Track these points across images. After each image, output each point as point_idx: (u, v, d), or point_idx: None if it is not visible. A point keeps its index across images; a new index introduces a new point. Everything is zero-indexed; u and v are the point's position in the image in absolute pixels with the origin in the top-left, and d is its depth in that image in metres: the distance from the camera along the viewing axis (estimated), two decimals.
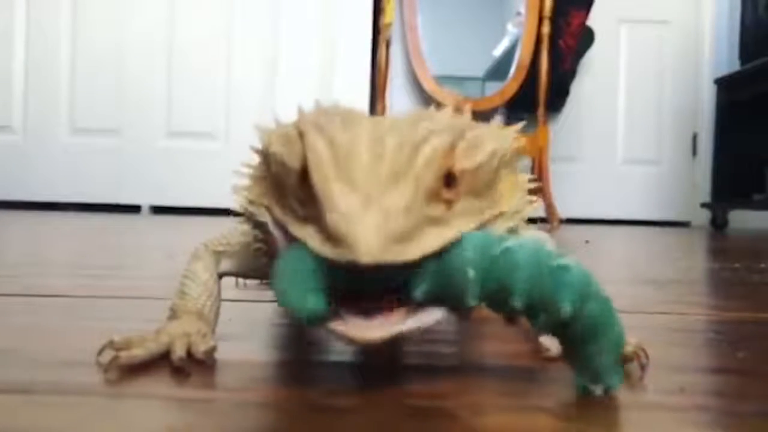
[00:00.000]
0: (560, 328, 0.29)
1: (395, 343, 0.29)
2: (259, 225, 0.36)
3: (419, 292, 0.29)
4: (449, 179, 0.30)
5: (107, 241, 1.34)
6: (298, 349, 0.42)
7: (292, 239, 0.31)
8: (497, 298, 0.29)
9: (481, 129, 0.34)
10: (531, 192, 0.38)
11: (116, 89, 2.49)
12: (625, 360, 0.36)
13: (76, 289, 0.60)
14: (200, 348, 0.35)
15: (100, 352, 0.34)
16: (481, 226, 0.31)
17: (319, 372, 0.35)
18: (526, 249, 0.29)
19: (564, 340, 0.30)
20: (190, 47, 2.50)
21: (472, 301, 0.29)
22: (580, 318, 0.29)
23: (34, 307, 0.51)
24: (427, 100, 2.62)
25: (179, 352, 0.34)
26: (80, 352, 0.35)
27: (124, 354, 0.33)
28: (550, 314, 0.29)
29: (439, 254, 0.29)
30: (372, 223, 0.26)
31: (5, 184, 2.44)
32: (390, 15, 2.43)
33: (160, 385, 0.32)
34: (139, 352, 0.34)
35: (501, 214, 0.34)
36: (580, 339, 0.29)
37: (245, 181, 0.38)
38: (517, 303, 0.28)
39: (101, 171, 2.48)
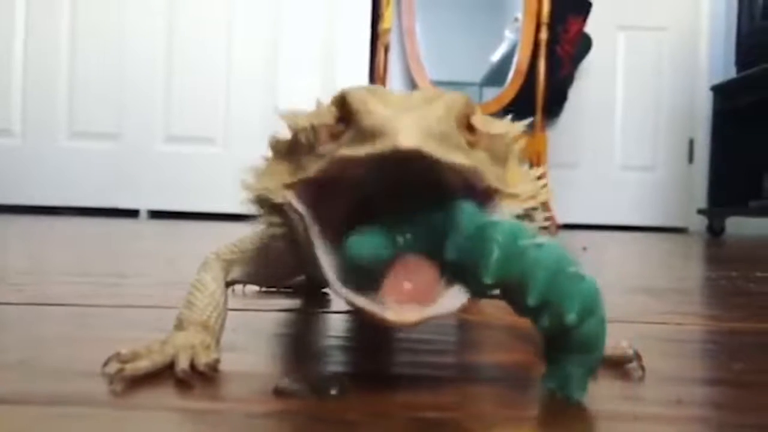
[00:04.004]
0: (559, 336, 0.30)
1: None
2: (276, 209, 0.37)
3: (451, 252, 0.31)
4: (470, 126, 0.33)
5: (106, 247, 1.34)
6: (303, 359, 0.42)
7: (317, 219, 0.33)
8: (514, 288, 0.30)
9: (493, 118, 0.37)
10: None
11: (115, 93, 2.49)
12: (625, 361, 0.38)
13: (79, 297, 0.61)
14: (202, 360, 0.35)
15: (106, 363, 0.34)
16: (493, 204, 0.34)
17: (324, 381, 0.36)
18: (553, 250, 0.30)
19: (553, 345, 0.31)
20: (190, 52, 2.51)
21: (487, 279, 0.30)
22: (580, 330, 0.30)
23: (38, 317, 0.52)
24: None
25: (182, 364, 0.34)
26: (86, 363, 0.36)
27: (129, 366, 0.33)
28: (556, 318, 0.29)
29: (472, 228, 0.30)
30: (410, 120, 0.29)
31: (4, 188, 2.44)
32: (388, 21, 2.44)
33: (168, 396, 0.32)
34: (143, 364, 0.34)
35: (515, 196, 0.36)
36: (570, 349, 0.30)
37: (251, 180, 0.39)
38: (531, 300, 0.30)
39: (100, 175, 2.48)
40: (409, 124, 0.29)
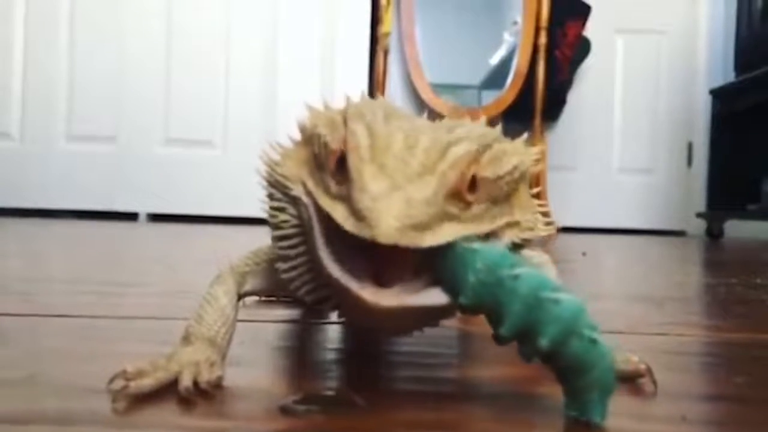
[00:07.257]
0: (545, 359, 0.31)
1: (402, 318, 0.31)
2: (290, 198, 0.37)
3: (426, 276, 0.31)
4: (472, 184, 0.33)
5: (106, 252, 1.34)
6: (306, 374, 0.43)
7: (320, 211, 0.33)
8: (489, 317, 0.31)
9: (508, 144, 0.37)
10: (542, 213, 0.40)
11: (114, 96, 2.49)
12: (636, 376, 0.39)
13: (83, 307, 0.61)
14: (204, 377, 0.35)
15: (112, 380, 0.34)
16: (494, 233, 0.34)
17: (329, 398, 0.36)
18: (530, 279, 0.30)
19: (553, 370, 0.31)
20: (189, 55, 2.51)
21: (463, 300, 0.31)
22: (563, 353, 0.30)
23: (44, 329, 0.52)
24: (424, 108, 2.62)
25: (186, 382, 0.34)
26: (92, 379, 0.36)
27: (133, 384, 0.33)
28: (531, 345, 0.30)
29: (453, 253, 0.31)
30: (394, 208, 0.29)
31: (3, 191, 2.44)
32: (388, 25, 2.44)
33: (173, 415, 0.32)
34: (148, 382, 0.34)
35: (516, 224, 0.36)
36: (565, 373, 0.31)
37: (276, 157, 0.40)
38: (504, 332, 0.30)
39: (98, 178, 2.48)
40: (391, 213, 0.29)
